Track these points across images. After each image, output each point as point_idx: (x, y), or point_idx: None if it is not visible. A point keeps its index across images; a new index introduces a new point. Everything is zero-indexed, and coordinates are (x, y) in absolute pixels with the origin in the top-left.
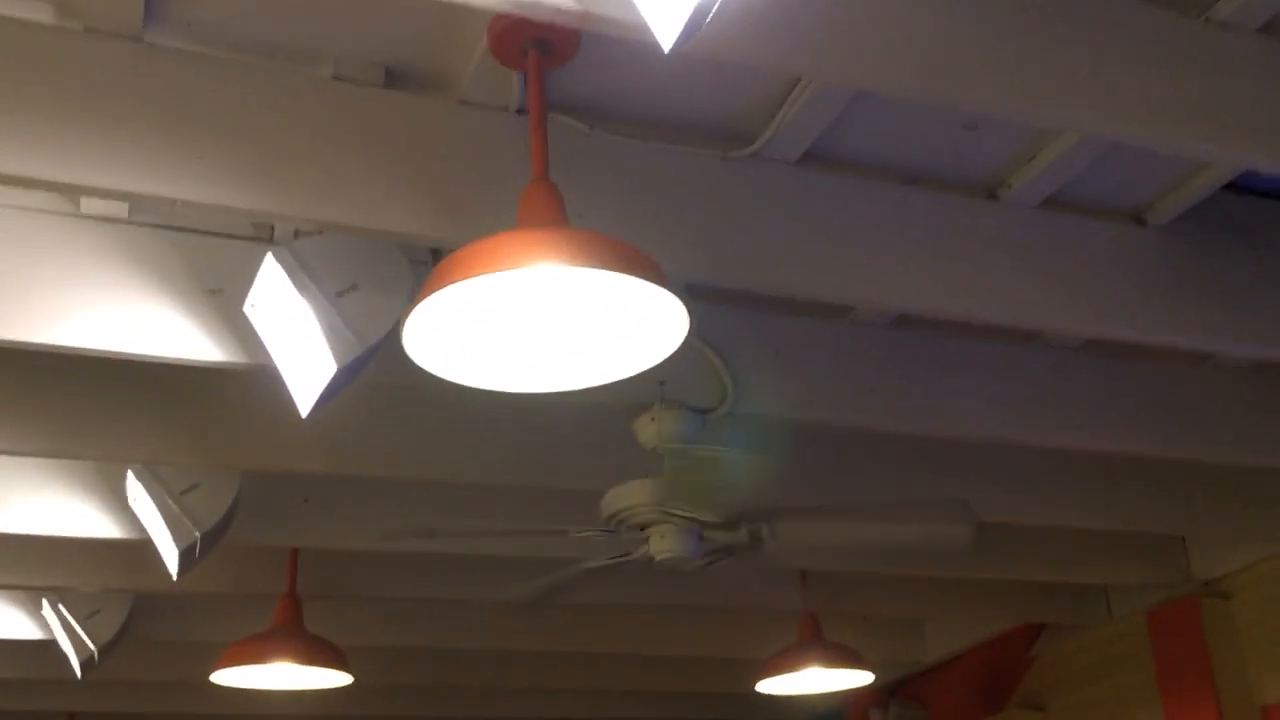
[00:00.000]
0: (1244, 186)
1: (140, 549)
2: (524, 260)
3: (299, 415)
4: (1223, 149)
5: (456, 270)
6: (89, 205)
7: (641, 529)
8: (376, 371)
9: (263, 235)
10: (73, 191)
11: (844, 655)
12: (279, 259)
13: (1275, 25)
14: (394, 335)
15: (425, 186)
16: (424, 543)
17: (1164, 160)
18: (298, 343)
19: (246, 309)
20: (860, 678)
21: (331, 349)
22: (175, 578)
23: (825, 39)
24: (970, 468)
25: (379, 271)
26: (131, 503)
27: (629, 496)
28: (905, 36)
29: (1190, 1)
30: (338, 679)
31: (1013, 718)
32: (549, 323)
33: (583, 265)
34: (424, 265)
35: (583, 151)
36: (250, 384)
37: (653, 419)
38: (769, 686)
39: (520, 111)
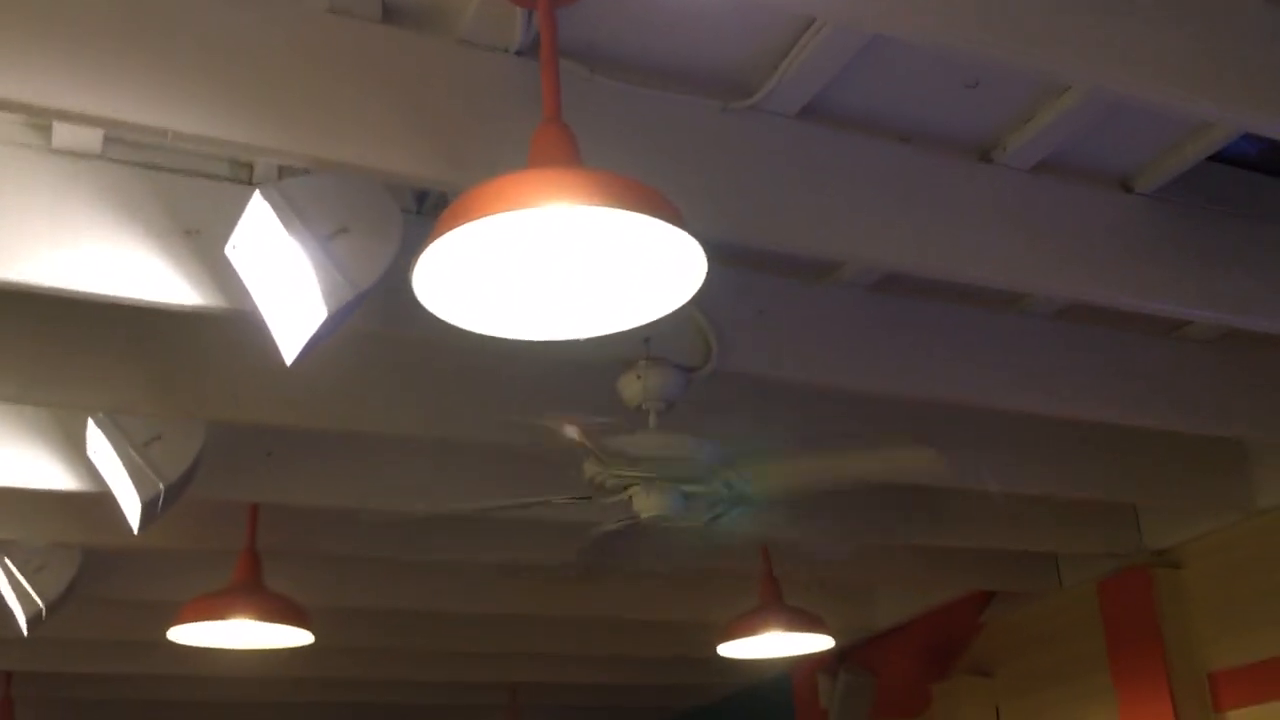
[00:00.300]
0: (1229, 158)
1: (92, 501)
2: (541, 199)
3: (270, 365)
4: (1225, 110)
5: (472, 209)
6: (60, 139)
7: (624, 489)
8: (353, 321)
9: (241, 177)
10: (51, 116)
11: (805, 619)
12: (267, 197)
13: None
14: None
15: (423, 126)
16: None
17: (1154, 128)
18: (284, 286)
19: (228, 251)
20: (820, 642)
21: (322, 293)
22: (136, 532)
23: None
24: (928, 430)
25: (370, 215)
26: (91, 454)
27: (642, 449)
28: None
29: None
30: (299, 637)
31: (960, 684)
32: (560, 268)
33: (603, 205)
34: (409, 213)
35: (582, 96)
36: (220, 331)
37: (638, 376)
38: (729, 650)
39: (520, 53)
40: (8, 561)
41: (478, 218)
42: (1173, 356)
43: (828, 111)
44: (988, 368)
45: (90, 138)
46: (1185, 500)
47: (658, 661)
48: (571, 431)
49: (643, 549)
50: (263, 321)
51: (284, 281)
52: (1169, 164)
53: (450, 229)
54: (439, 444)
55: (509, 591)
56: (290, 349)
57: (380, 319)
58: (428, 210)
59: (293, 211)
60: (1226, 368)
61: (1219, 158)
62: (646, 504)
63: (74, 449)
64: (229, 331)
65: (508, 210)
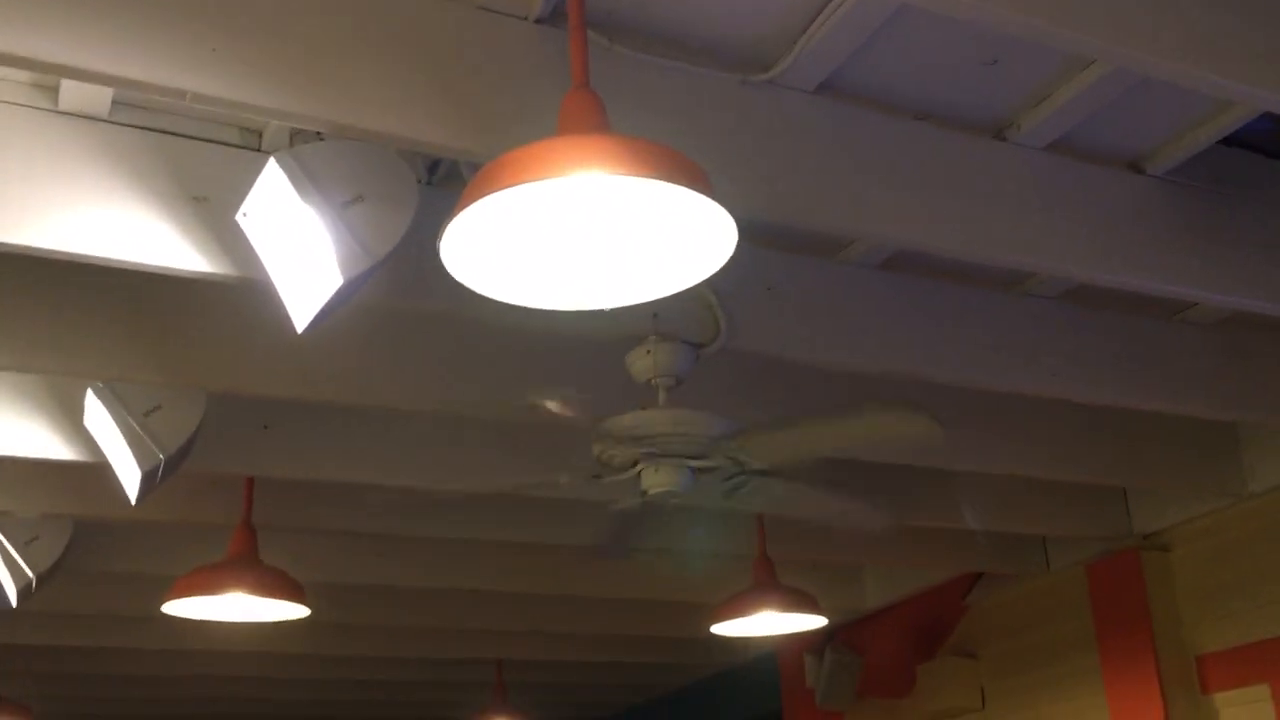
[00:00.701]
0: (1240, 141)
1: (85, 472)
2: (574, 167)
3: (272, 336)
4: (1251, 89)
5: (503, 176)
6: (67, 100)
7: (631, 465)
8: (358, 292)
9: (250, 143)
10: (62, 74)
11: (798, 599)
12: (281, 164)
13: None
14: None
15: (443, 93)
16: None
17: (1167, 110)
18: (297, 254)
19: (239, 218)
20: (812, 621)
21: (338, 261)
22: (134, 503)
23: None
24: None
25: (386, 183)
26: (88, 423)
27: (639, 426)
28: None
29: None
30: (294, 611)
31: (945, 664)
32: (586, 236)
33: (640, 174)
34: (420, 184)
35: (602, 66)
36: (223, 301)
37: (648, 351)
38: (723, 629)
39: (540, 21)
40: None
41: (513, 184)
42: (1175, 339)
43: (845, 87)
44: (992, 349)
45: (98, 100)
46: (1176, 484)
47: (644, 640)
48: (555, 407)
49: (659, 527)
50: (270, 290)
51: (297, 249)
52: (1181, 146)
53: (482, 195)
54: (442, 419)
55: (499, 568)
56: (302, 317)
57: (386, 290)
58: (439, 180)
59: (307, 178)
60: (1227, 352)
61: (1231, 140)
62: (655, 480)
63: (68, 418)
64: (231, 301)
65: (544, 178)
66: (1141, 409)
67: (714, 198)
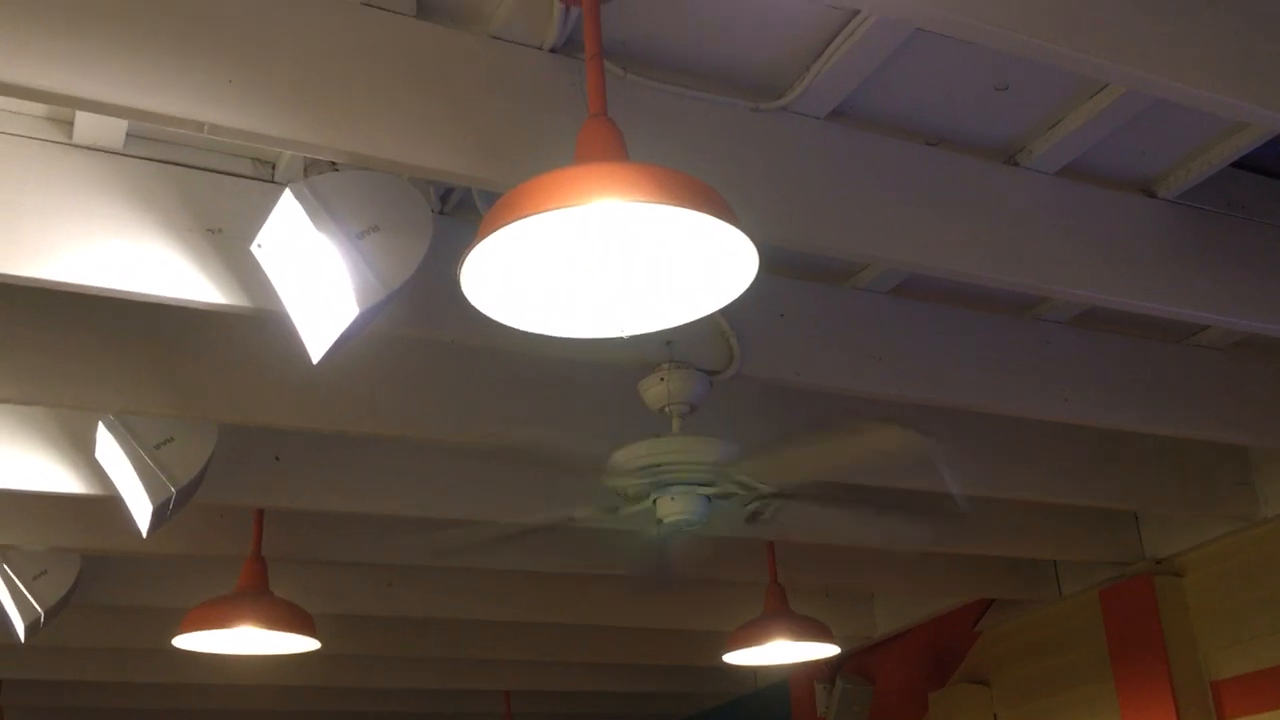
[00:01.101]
0: (1251, 164)
1: (94, 505)
2: (595, 195)
3: (284, 367)
4: (1267, 110)
5: (523, 204)
6: (81, 133)
7: (657, 488)
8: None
9: (264, 175)
10: (78, 106)
11: (811, 627)
12: (296, 195)
13: None
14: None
15: (458, 122)
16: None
17: (1178, 134)
18: (312, 285)
19: (254, 249)
20: (825, 650)
21: (354, 291)
22: (145, 536)
23: None
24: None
25: (400, 213)
26: (99, 456)
27: (644, 456)
28: None
29: None
30: (304, 644)
31: (957, 692)
32: (604, 264)
33: (659, 201)
34: (434, 213)
35: (615, 94)
36: (237, 332)
37: (661, 379)
38: (735, 658)
39: (554, 50)
40: (6, 568)
41: (534, 212)
42: (1186, 363)
43: (857, 114)
44: (1004, 373)
45: (112, 133)
46: (1189, 508)
47: (654, 669)
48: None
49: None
50: (284, 321)
51: (312, 280)
52: (1192, 169)
53: (503, 224)
54: (454, 447)
55: (508, 598)
56: (318, 348)
57: (400, 320)
58: (451, 209)
59: (322, 209)
60: (1239, 376)
61: (1242, 164)
62: (671, 509)
63: (77, 451)
64: (244, 332)
65: (565, 206)
66: (1153, 433)
67: (735, 224)
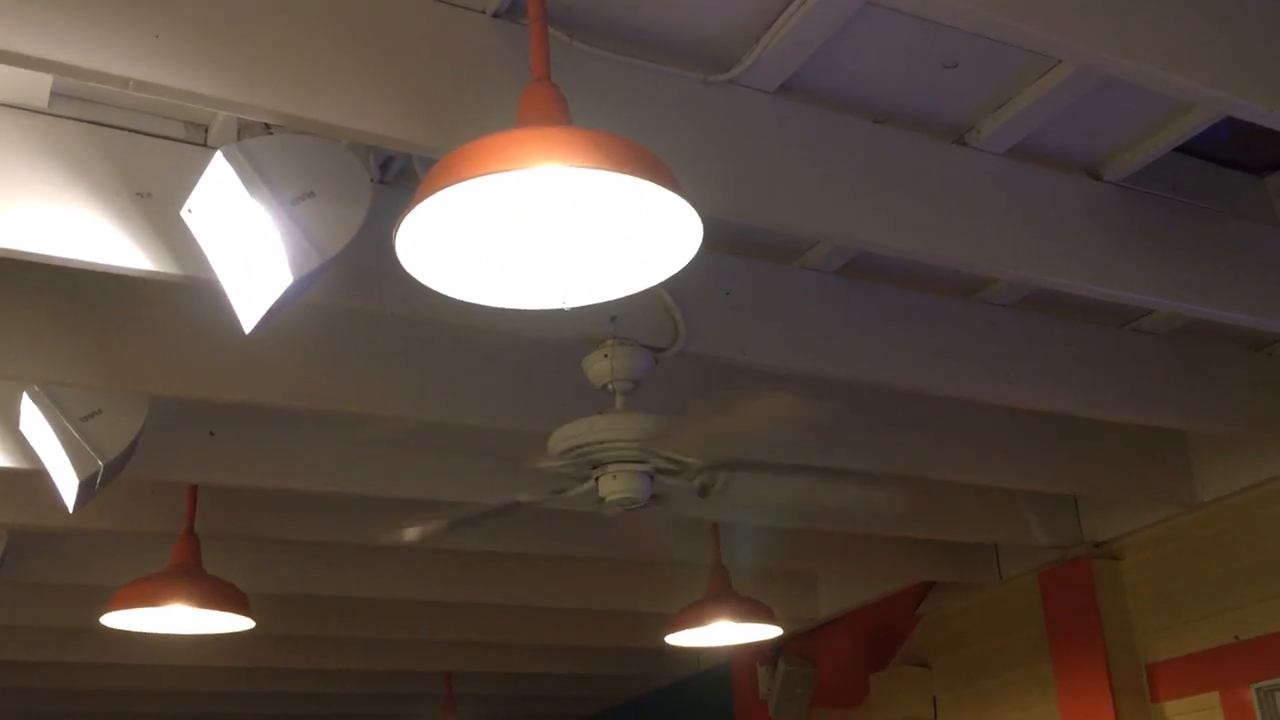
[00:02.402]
0: (1196, 150)
1: (21, 479)
2: (536, 159)
3: (218, 338)
4: (1215, 91)
5: (462, 168)
6: (3, 90)
7: (593, 468)
8: (311, 293)
9: (196, 138)
10: (3, 60)
11: (754, 609)
12: (229, 158)
13: None
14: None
15: (397, 87)
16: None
17: (1125, 117)
18: (245, 252)
19: (184, 214)
20: (767, 632)
21: (288, 259)
22: (71, 511)
23: None
24: (880, 417)
25: (337, 179)
26: (24, 428)
27: (588, 433)
28: None
29: None
30: (238, 624)
31: (898, 674)
32: (545, 233)
33: (602, 167)
34: (372, 182)
35: (561, 63)
36: (165, 301)
37: (605, 355)
38: (678, 639)
39: (497, 15)
40: None
41: (473, 176)
42: (1128, 348)
43: (806, 89)
44: (948, 355)
45: (36, 91)
46: (1127, 492)
47: (595, 651)
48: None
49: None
50: (216, 290)
51: (245, 247)
52: (1138, 153)
53: (441, 187)
54: (397, 422)
55: (448, 578)
56: (249, 318)
57: (337, 290)
58: (392, 178)
59: (256, 173)
60: (1180, 361)
61: (1188, 149)
62: (613, 488)
63: (2, 423)
64: (175, 300)
65: (504, 169)
66: (1094, 417)
67: (678, 193)
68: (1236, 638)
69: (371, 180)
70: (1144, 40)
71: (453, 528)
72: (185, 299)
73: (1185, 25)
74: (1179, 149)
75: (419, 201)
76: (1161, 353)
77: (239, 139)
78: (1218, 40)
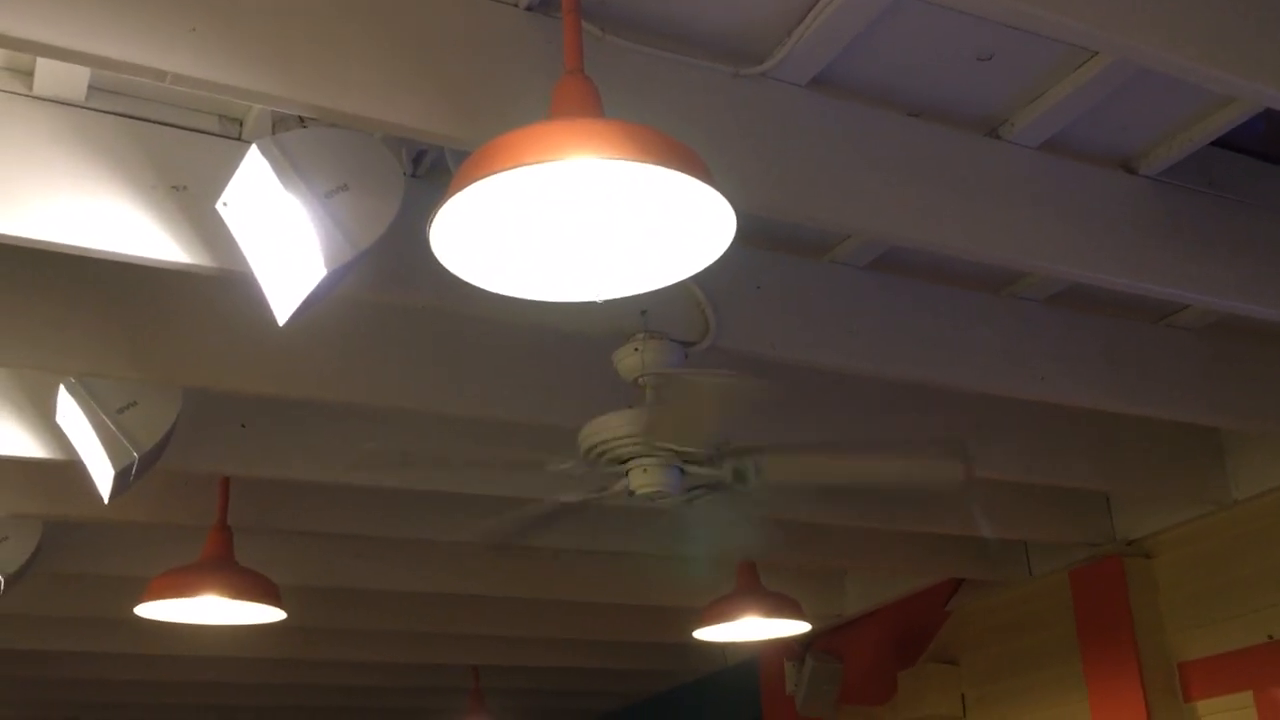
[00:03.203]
0: (1232, 143)
1: (56, 470)
2: (570, 150)
3: (251, 331)
4: (1252, 83)
5: (496, 160)
6: (42, 85)
7: (621, 463)
8: (343, 286)
9: (230, 132)
10: (35, 51)
11: (783, 604)
12: (264, 151)
13: None
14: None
15: (432, 80)
16: (389, 474)
17: (1160, 110)
18: (279, 244)
19: (219, 207)
20: (796, 627)
21: (321, 252)
22: (106, 502)
23: None
24: (909, 412)
25: (371, 173)
26: (60, 420)
27: (610, 428)
28: None
29: None
30: (269, 614)
31: (926, 671)
32: (577, 225)
33: (635, 159)
34: (405, 175)
35: (594, 56)
36: (202, 293)
37: (635, 349)
38: (706, 634)
39: (530, 9)
40: None
41: (507, 167)
42: (1162, 344)
43: (839, 82)
44: (979, 351)
45: (74, 84)
46: (1160, 490)
47: (623, 645)
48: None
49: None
50: (250, 282)
51: (279, 239)
52: (1174, 146)
53: (475, 179)
54: (424, 416)
55: (477, 572)
56: (283, 310)
57: (370, 283)
58: (424, 172)
59: (291, 167)
60: (1214, 357)
61: (1223, 143)
62: (643, 481)
63: (39, 414)
64: (210, 293)
65: (538, 161)
66: (1127, 414)
67: (712, 185)
68: (1270, 637)
69: (404, 174)
70: (1181, 31)
71: (511, 535)
72: (219, 292)
73: (1223, 16)
74: (1215, 142)
75: (454, 193)
76: (1195, 349)
77: (273, 132)
78: (1255, 31)
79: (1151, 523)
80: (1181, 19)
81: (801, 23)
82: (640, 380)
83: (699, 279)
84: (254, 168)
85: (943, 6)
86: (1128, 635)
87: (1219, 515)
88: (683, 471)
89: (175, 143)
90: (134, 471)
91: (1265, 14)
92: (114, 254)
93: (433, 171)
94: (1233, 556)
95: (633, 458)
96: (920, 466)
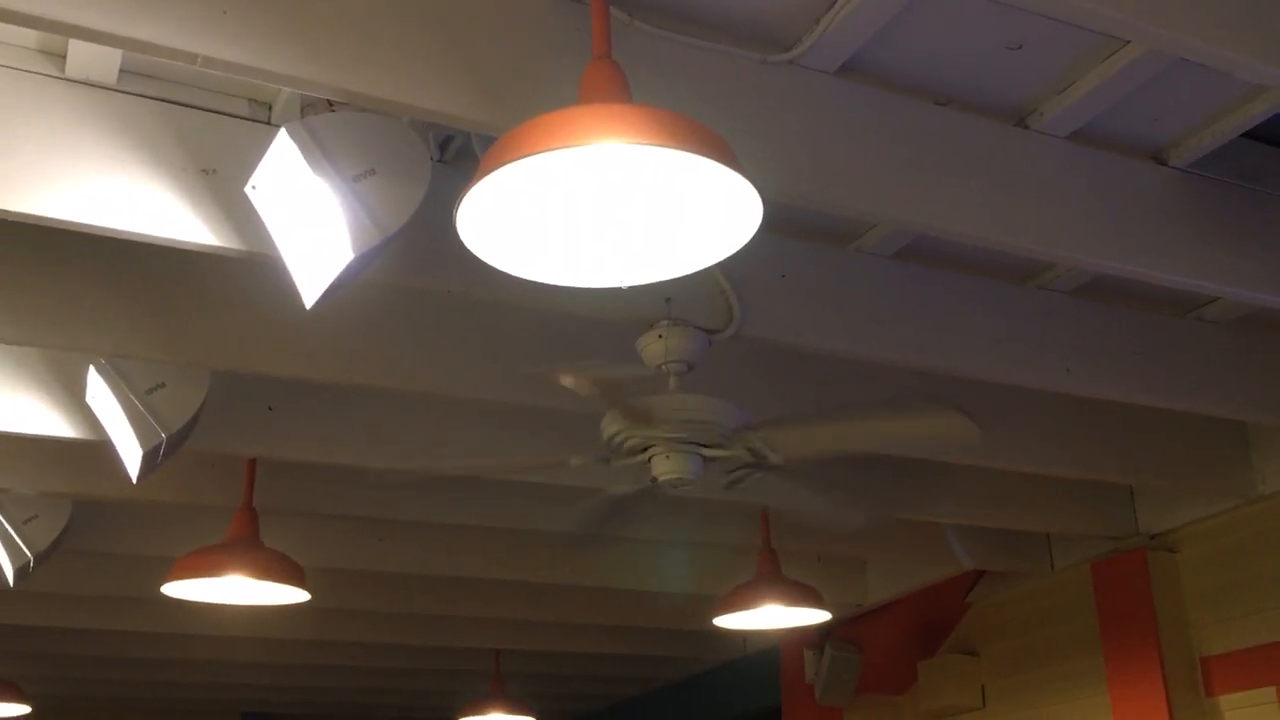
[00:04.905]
0: (1263, 135)
1: (86, 450)
2: (597, 135)
3: (279, 314)
4: None
5: (524, 144)
6: (74, 67)
7: (642, 451)
8: (370, 271)
9: (259, 116)
10: (68, 34)
11: (803, 593)
12: (292, 135)
13: None
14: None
15: (460, 65)
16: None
17: (1190, 101)
18: (307, 228)
19: (247, 190)
20: (816, 616)
21: (349, 235)
22: (135, 482)
23: None
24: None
25: (398, 157)
26: (90, 400)
27: (625, 418)
28: None
29: None
30: (294, 595)
31: (946, 662)
32: (604, 211)
33: (662, 144)
34: (432, 160)
35: (621, 42)
36: (230, 275)
37: (660, 336)
38: (726, 622)
39: None
40: None
41: (534, 152)
42: (1189, 337)
43: (867, 70)
44: (1004, 342)
45: (105, 67)
46: (1185, 483)
47: (644, 632)
48: (585, 385)
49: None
50: (278, 265)
51: (307, 223)
52: (1205, 138)
53: (503, 163)
54: (448, 401)
55: (500, 556)
56: (310, 292)
57: (396, 268)
58: (451, 157)
59: (319, 150)
60: (1241, 351)
61: (1255, 135)
62: (666, 467)
63: (69, 394)
64: (238, 276)
65: (565, 146)
66: (1152, 406)
67: (739, 171)
68: None
69: (431, 159)
70: (1213, 19)
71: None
72: (247, 274)
73: (1257, 6)
74: (1246, 134)
75: (482, 177)
76: (1223, 342)
77: (302, 116)
78: None
79: (1175, 516)
80: (1214, 8)
81: (830, 10)
82: (664, 367)
83: (724, 266)
84: (283, 151)
85: None
86: (1150, 629)
87: (1244, 509)
88: (704, 457)
89: (205, 126)
90: (162, 452)
91: None
92: (144, 236)
93: (460, 157)
94: (1257, 551)
95: (650, 447)
96: (925, 425)
